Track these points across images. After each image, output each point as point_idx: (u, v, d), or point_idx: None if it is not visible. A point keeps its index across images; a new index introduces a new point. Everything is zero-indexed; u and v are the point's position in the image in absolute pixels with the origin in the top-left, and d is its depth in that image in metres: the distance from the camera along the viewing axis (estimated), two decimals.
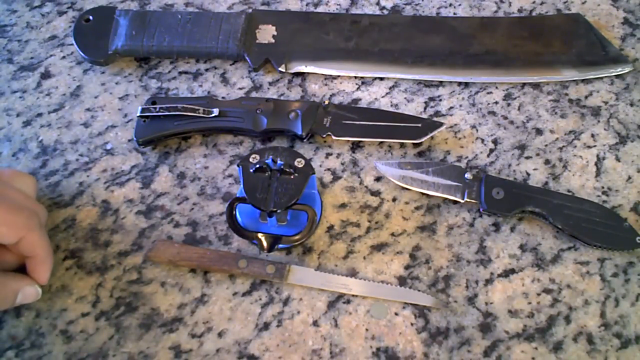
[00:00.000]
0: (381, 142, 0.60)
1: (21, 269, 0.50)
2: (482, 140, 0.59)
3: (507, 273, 0.53)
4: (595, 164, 0.58)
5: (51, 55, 0.66)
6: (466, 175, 0.55)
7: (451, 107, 0.61)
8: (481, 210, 0.54)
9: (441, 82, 0.63)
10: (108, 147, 0.60)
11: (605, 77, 0.62)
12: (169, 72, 0.65)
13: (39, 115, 0.62)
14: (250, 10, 0.67)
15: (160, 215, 0.57)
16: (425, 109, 0.61)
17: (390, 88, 0.63)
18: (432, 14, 0.67)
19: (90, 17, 0.65)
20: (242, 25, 0.64)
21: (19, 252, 0.49)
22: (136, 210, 0.57)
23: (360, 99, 0.62)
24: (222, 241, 0.55)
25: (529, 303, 0.52)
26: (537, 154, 0.59)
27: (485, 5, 0.67)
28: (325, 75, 0.64)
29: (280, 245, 0.52)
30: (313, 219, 0.51)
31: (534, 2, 0.68)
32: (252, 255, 0.54)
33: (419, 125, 0.58)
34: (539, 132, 0.60)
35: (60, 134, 0.61)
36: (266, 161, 0.50)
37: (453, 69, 0.62)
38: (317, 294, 0.52)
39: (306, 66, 0.63)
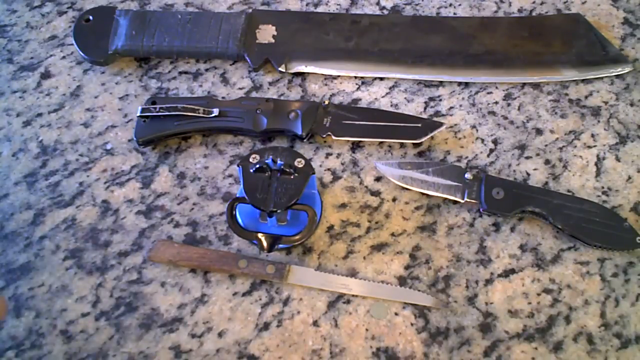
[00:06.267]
0: (381, 142, 0.60)
1: None
2: (482, 140, 0.59)
3: (507, 273, 0.53)
4: (595, 164, 0.58)
5: (51, 55, 0.66)
6: (466, 175, 0.55)
7: (451, 107, 0.61)
8: (481, 210, 0.54)
9: (441, 82, 0.63)
10: (108, 147, 0.60)
11: (605, 77, 0.62)
12: (169, 72, 0.65)
13: (39, 115, 0.62)
14: (250, 10, 0.67)
15: (160, 215, 0.57)
16: (425, 109, 0.61)
17: (390, 88, 0.63)
18: (432, 14, 0.67)
19: (90, 17, 0.65)
20: (242, 25, 0.64)
21: None
22: (136, 210, 0.57)
23: (360, 99, 0.62)
24: (222, 241, 0.55)
25: (529, 303, 0.52)
26: (537, 154, 0.59)
27: (485, 5, 0.67)
28: (325, 75, 0.63)
29: (280, 245, 0.52)
30: (313, 219, 0.51)
31: (534, 2, 0.68)
32: (252, 255, 0.54)
33: (419, 125, 0.58)
34: (539, 132, 0.60)
35: (60, 134, 0.61)
36: (266, 161, 0.50)
37: (453, 69, 0.62)
38: (317, 294, 0.52)
39: (306, 66, 0.63)
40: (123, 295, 0.53)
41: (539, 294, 0.52)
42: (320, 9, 0.68)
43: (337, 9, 0.68)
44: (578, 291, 0.52)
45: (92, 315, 0.52)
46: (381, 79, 0.63)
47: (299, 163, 0.50)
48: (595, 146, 0.59)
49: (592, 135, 0.59)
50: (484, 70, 0.62)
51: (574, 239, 0.54)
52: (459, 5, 0.67)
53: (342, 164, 0.59)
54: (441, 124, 0.58)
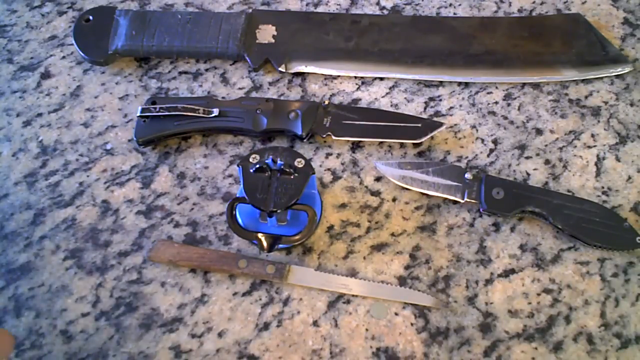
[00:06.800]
0: (381, 142, 0.60)
1: None
2: (482, 140, 0.59)
3: (507, 273, 0.53)
4: (595, 164, 0.58)
5: (51, 55, 0.66)
6: (466, 175, 0.55)
7: (451, 107, 0.61)
8: (481, 210, 0.54)
9: (441, 82, 0.63)
10: (108, 147, 0.60)
11: (605, 77, 0.62)
12: (169, 72, 0.65)
13: (39, 115, 0.62)
14: (250, 10, 0.67)
15: (160, 215, 0.57)
16: (425, 109, 0.61)
17: (390, 88, 0.63)
18: (432, 14, 0.67)
19: (90, 17, 0.65)
20: (242, 25, 0.64)
21: None
22: (136, 210, 0.57)
23: (360, 99, 0.62)
24: (222, 241, 0.55)
25: (529, 303, 0.52)
26: (537, 154, 0.59)
27: (485, 5, 0.67)
28: (325, 75, 0.63)
29: (280, 245, 0.52)
30: (313, 219, 0.51)
31: (534, 2, 0.68)
32: (252, 255, 0.54)
33: (419, 125, 0.58)
34: (539, 132, 0.60)
35: (60, 134, 0.61)
36: (266, 161, 0.50)
37: (453, 69, 0.62)
38: (317, 294, 0.52)
39: (306, 66, 0.63)
40: (123, 295, 0.53)
41: (539, 294, 0.52)
42: (320, 9, 0.68)
43: (337, 9, 0.68)
44: (578, 291, 0.52)
45: (92, 315, 0.52)
46: (381, 79, 0.63)
47: (299, 163, 0.50)
48: (595, 146, 0.59)
49: (592, 135, 0.59)
50: (484, 70, 0.62)
51: (574, 239, 0.54)
52: (459, 5, 0.67)
53: (342, 164, 0.59)
54: (441, 124, 0.58)
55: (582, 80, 0.62)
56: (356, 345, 0.50)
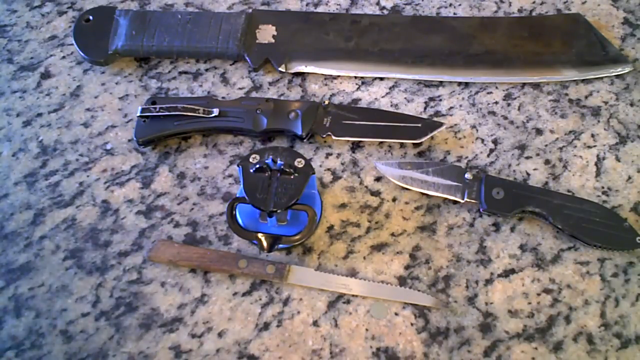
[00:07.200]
0: (381, 142, 0.60)
1: None
2: (482, 140, 0.59)
3: (507, 273, 0.53)
4: (595, 164, 0.58)
5: (51, 55, 0.66)
6: (466, 175, 0.55)
7: (451, 107, 0.61)
8: (481, 210, 0.54)
9: (441, 82, 0.63)
10: (108, 147, 0.60)
11: (605, 77, 0.62)
12: (169, 72, 0.65)
13: (39, 115, 0.62)
14: (250, 10, 0.67)
15: (160, 215, 0.57)
16: (425, 109, 0.61)
17: (390, 88, 0.63)
18: (432, 14, 0.67)
19: (90, 17, 0.65)
20: (242, 25, 0.64)
21: None
22: (136, 210, 0.57)
23: (360, 99, 0.62)
24: (222, 241, 0.55)
25: (529, 303, 0.52)
26: (537, 154, 0.59)
27: (485, 5, 0.67)
28: (325, 75, 0.63)
29: (280, 245, 0.52)
30: (313, 219, 0.51)
31: (534, 2, 0.68)
32: (252, 255, 0.54)
33: (419, 125, 0.58)
34: (539, 132, 0.60)
35: (60, 134, 0.61)
36: (266, 161, 0.50)
37: (453, 69, 0.62)
38: (317, 294, 0.52)
39: (306, 66, 0.63)
40: (123, 295, 0.53)
41: (539, 294, 0.52)
42: (320, 9, 0.68)
43: (337, 9, 0.68)
44: (578, 291, 0.52)
45: (92, 315, 0.52)
46: (381, 79, 0.63)
47: (299, 163, 0.50)
48: (595, 146, 0.59)
49: (592, 135, 0.59)
50: (484, 70, 0.62)
51: (574, 239, 0.54)
52: (459, 5, 0.67)
53: (342, 164, 0.59)
54: (441, 124, 0.58)
55: (582, 80, 0.62)
56: (356, 345, 0.50)
